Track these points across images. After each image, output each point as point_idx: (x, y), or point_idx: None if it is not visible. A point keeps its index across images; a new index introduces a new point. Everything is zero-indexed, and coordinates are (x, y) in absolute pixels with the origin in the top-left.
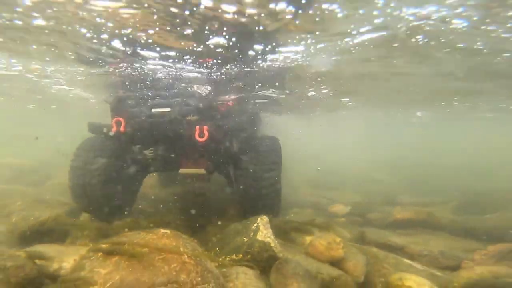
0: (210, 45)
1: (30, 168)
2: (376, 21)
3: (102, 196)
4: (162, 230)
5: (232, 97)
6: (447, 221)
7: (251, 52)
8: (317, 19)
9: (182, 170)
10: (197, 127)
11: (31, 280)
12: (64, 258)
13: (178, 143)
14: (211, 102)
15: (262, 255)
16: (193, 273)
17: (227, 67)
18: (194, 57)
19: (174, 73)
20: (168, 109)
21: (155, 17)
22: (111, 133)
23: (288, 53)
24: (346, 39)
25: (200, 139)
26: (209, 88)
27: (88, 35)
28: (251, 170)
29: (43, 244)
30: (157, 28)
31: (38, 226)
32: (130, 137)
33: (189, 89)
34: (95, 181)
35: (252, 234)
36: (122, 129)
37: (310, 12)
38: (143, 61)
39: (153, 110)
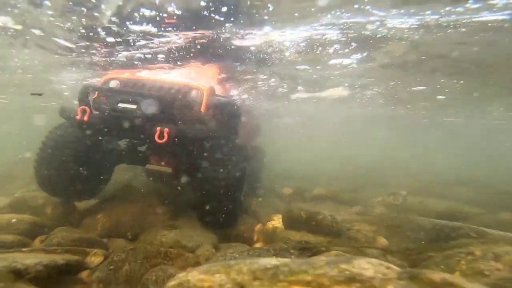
0: None
1: None
2: None
3: (66, 180)
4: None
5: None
6: (346, 197)
7: None
8: None
9: (148, 166)
10: (158, 128)
11: (67, 212)
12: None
13: (141, 141)
14: (180, 105)
15: None
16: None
17: None
18: None
19: None
20: (134, 106)
21: None
22: (76, 120)
23: None
24: None
25: (159, 141)
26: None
27: None
28: (210, 180)
29: None
30: None
31: None
32: (93, 127)
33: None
34: (60, 165)
35: None
36: (86, 118)
37: None
38: None
39: (119, 105)
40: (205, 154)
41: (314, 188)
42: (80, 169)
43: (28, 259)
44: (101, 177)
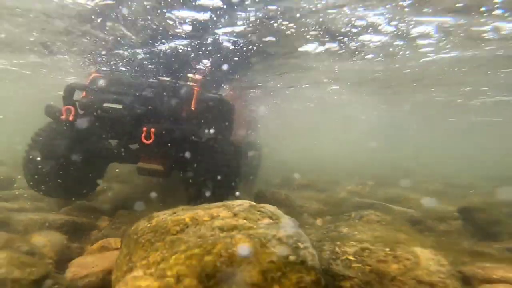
0: None
1: None
2: None
3: (53, 180)
4: None
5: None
6: (323, 186)
7: None
8: None
9: (140, 164)
10: (144, 128)
11: None
12: None
13: (128, 140)
14: (167, 104)
15: None
16: None
17: None
18: None
19: None
20: (120, 106)
21: None
22: (61, 120)
23: None
24: None
25: (146, 141)
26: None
27: None
28: (201, 178)
29: None
30: None
31: None
32: (79, 127)
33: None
34: (49, 164)
35: None
36: (71, 117)
37: None
38: None
39: (104, 104)
40: (194, 152)
41: (299, 178)
42: (68, 168)
43: (56, 217)
44: (92, 176)
